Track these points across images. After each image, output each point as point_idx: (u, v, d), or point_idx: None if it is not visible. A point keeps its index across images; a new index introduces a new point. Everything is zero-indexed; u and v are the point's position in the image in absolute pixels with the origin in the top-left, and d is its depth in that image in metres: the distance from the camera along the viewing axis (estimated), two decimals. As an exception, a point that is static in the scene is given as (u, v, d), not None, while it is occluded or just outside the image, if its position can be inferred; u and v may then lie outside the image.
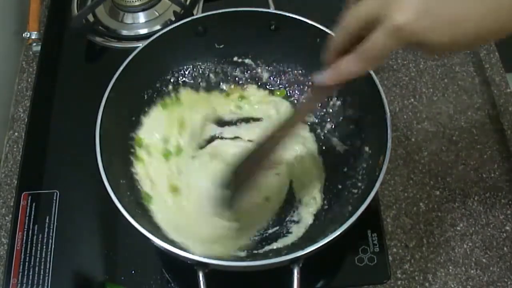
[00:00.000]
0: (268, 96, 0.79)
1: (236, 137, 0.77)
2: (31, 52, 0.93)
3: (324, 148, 0.75)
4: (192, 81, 0.78)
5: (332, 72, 0.52)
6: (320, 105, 0.74)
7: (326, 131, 0.75)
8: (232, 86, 0.79)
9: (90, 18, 0.91)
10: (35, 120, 0.83)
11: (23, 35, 0.91)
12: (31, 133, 0.81)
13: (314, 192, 0.71)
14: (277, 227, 0.69)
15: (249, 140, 0.75)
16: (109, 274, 0.70)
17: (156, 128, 0.73)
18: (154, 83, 0.75)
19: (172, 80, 0.77)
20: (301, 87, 0.78)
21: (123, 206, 0.57)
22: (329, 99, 0.75)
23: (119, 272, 0.70)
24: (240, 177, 0.60)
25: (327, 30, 0.69)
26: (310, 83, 0.69)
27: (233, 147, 0.75)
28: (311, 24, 0.71)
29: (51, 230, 0.73)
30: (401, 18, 0.43)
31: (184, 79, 0.78)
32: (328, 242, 0.55)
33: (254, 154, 0.60)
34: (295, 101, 0.78)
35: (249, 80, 0.79)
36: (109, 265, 0.71)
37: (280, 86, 0.79)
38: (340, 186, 0.69)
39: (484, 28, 0.43)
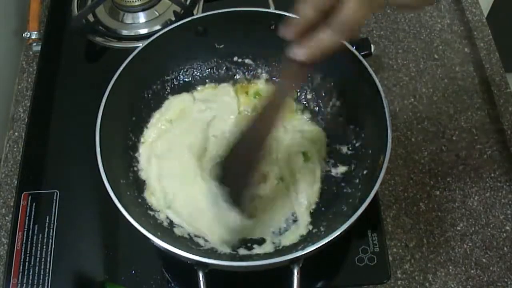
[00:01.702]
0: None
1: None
2: (31, 52, 0.93)
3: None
4: (192, 81, 0.78)
5: (309, 48, 0.50)
6: (297, 85, 0.70)
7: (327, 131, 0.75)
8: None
9: (90, 18, 0.91)
10: (35, 120, 0.83)
11: (23, 35, 0.91)
12: (31, 133, 0.81)
13: (314, 191, 0.70)
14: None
15: None
16: (109, 274, 0.70)
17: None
18: (154, 83, 0.75)
19: (172, 80, 0.77)
20: (300, 87, 0.78)
21: (123, 206, 0.57)
22: (329, 99, 0.75)
23: (119, 272, 0.70)
24: (233, 170, 0.58)
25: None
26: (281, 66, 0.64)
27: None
28: (311, 24, 0.70)
29: (51, 230, 0.73)
30: None
31: (184, 79, 0.78)
32: (328, 242, 0.55)
33: (241, 144, 0.57)
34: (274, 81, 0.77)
35: (249, 80, 0.79)
36: (109, 265, 0.71)
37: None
38: (340, 186, 0.69)
39: None
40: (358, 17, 0.46)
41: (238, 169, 0.58)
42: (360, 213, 0.56)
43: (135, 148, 0.72)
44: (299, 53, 0.51)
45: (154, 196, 0.69)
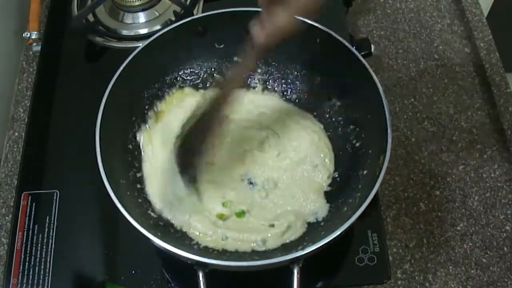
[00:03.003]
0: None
1: None
2: (31, 52, 0.93)
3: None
4: (192, 81, 0.78)
5: (266, 30, 0.52)
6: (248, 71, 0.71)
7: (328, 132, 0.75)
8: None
9: (90, 18, 0.91)
10: (35, 120, 0.83)
11: (23, 35, 0.91)
12: (31, 133, 0.81)
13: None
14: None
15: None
16: (109, 274, 0.70)
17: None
18: (154, 83, 0.75)
19: (172, 80, 0.77)
20: (300, 87, 0.78)
21: (123, 206, 0.57)
22: (329, 99, 0.75)
23: (119, 272, 0.70)
24: (184, 154, 0.63)
25: (327, 30, 0.69)
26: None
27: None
28: (311, 24, 0.70)
29: (51, 230, 0.73)
30: None
31: (184, 78, 0.78)
32: (328, 242, 0.55)
33: (196, 128, 0.62)
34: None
35: (248, 79, 0.79)
36: (109, 265, 0.71)
37: (279, 85, 0.79)
38: (340, 186, 0.69)
39: None
40: None
41: (188, 154, 0.64)
42: (360, 213, 0.56)
43: (135, 148, 0.72)
44: (260, 36, 0.53)
45: (153, 196, 0.69)
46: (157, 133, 0.74)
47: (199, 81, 0.79)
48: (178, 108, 0.76)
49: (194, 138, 0.64)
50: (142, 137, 0.72)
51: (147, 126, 0.74)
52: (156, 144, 0.72)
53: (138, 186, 0.69)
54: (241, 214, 0.68)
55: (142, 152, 0.72)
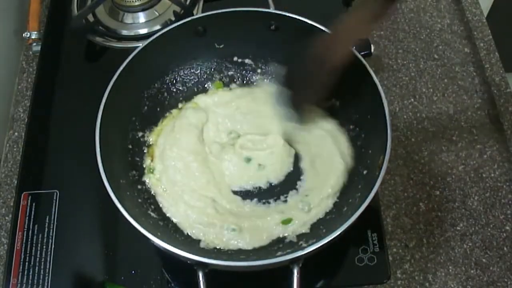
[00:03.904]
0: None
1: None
2: (31, 52, 0.93)
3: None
4: (191, 81, 0.78)
5: None
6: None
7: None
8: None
9: (90, 18, 0.91)
10: (35, 120, 0.83)
11: (23, 35, 0.91)
12: (31, 133, 0.81)
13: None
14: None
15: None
16: (109, 274, 0.70)
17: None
18: (154, 83, 0.75)
19: (172, 80, 0.77)
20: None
21: (123, 206, 0.57)
22: (329, 100, 0.74)
23: (119, 272, 0.70)
24: (300, 78, 0.62)
25: (327, 30, 0.69)
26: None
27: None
28: (311, 24, 0.70)
29: (51, 230, 0.73)
30: None
31: (184, 79, 0.78)
32: (328, 242, 0.55)
33: (308, 58, 0.61)
34: None
35: (248, 79, 0.79)
36: (109, 265, 0.71)
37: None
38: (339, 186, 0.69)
39: None
40: None
41: (302, 77, 0.62)
42: (360, 213, 0.56)
43: (135, 148, 0.72)
44: None
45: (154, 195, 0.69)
46: (156, 134, 0.74)
47: (199, 81, 0.79)
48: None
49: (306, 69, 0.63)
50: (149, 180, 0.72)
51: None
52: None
53: (139, 187, 0.69)
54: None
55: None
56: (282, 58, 0.71)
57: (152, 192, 0.70)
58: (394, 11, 0.55)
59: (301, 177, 0.71)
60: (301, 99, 0.67)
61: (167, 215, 0.68)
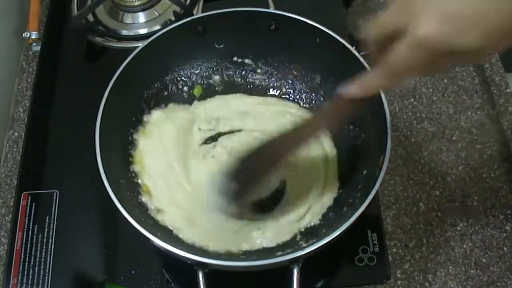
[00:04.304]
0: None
1: (237, 130, 0.76)
2: (31, 52, 0.93)
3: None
4: (191, 81, 0.78)
5: (356, 86, 0.51)
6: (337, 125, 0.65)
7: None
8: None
9: (90, 18, 0.91)
10: (35, 120, 0.83)
11: (23, 35, 0.91)
12: (31, 133, 0.81)
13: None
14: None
15: (252, 131, 0.75)
16: (109, 274, 0.70)
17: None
18: (154, 83, 0.75)
19: (172, 80, 0.77)
20: (300, 87, 0.78)
21: (123, 206, 0.57)
22: (329, 100, 0.74)
23: (119, 272, 0.70)
24: (249, 171, 0.59)
25: (327, 30, 0.69)
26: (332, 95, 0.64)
27: (236, 141, 0.74)
28: (311, 24, 0.70)
29: (51, 230, 0.73)
30: (422, 29, 0.41)
31: (184, 79, 0.78)
32: (327, 242, 0.55)
33: (266, 150, 0.59)
34: (305, 105, 0.77)
35: (248, 79, 0.79)
36: (109, 265, 0.71)
37: (279, 85, 0.79)
38: (340, 186, 0.69)
39: (510, 19, 0.40)
40: (406, 61, 0.44)
41: (252, 171, 0.60)
42: (360, 213, 0.56)
43: (135, 148, 0.72)
44: (349, 90, 0.52)
45: (153, 196, 0.69)
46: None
47: (198, 81, 0.79)
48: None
49: (255, 166, 0.60)
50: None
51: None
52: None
53: (138, 186, 0.69)
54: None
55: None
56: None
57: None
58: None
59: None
60: (248, 190, 0.63)
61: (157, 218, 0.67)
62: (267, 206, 0.69)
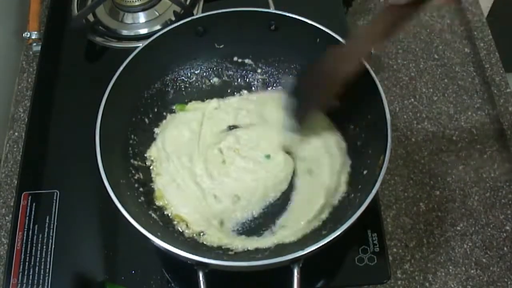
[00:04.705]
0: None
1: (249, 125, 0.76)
2: (31, 52, 0.94)
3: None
4: (191, 81, 0.78)
5: None
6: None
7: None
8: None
9: (90, 18, 0.91)
10: (35, 120, 0.83)
11: (23, 35, 0.91)
12: (31, 133, 0.81)
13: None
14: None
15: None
16: (109, 274, 0.70)
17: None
18: (154, 83, 0.75)
19: (172, 80, 0.77)
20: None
21: (123, 206, 0.57)
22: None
23: (119, 272, 0.70)
24: (307, 87, 0.62)
25: (327, 30, 0.69)
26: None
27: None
28: (311, 24, 0.71)
29: (51, 230, 0.73)
30: None
31: (184, 79, 0.78)
32: (328, 242, 0.55)
33: (321, 68, 0.61)
34: None
35: (248, 79, 0.79)
36: (109, 265, 0.71)
37: (279, 86, 0.79)
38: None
39: None
40: None
41: (311, 88, 0.62)
42: (360, 213, 0.56)
43: (135, 148, 0.72)
44: None
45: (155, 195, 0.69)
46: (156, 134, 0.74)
47: (198, 81, 0.79)
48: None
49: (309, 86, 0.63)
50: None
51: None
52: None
53: (140, 189, 0.69)
54: None
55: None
56: (295, 71, 0.73)
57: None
58: (407, 26, 0.56)
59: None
60: (307, 110, 0.67)
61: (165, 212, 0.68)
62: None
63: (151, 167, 0.72)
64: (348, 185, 0.68)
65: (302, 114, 0.68)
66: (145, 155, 0.73)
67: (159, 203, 0.69)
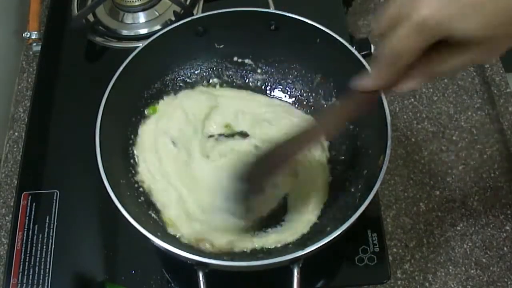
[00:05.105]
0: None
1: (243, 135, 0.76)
2: (31, 52, 0.94)
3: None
4: (192, 81, 0.78)
5: (365, 78, 0.52)
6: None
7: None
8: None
9: (90, 18, 0.91)
10: (35, 120, 0.83)
11: (23, 35, 0.91)
12: (31, 133, 0.81)
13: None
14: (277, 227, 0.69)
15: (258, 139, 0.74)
16: (109, 274, 0.70)
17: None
18: (154, 83, 0.75)
19: (172, 80, 0.77)
20: (300, 87, 0.78)
21: (123, 206, 0.57)
22: (329, 99, 0.75)
23: (119, 272, 0.70)
24: (258, 174, 0.60)
25: (327, 30, 0.69)
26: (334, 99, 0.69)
27: (245, 145, 0.74)
28: (311, 24, 0.70)
29: (51, 230, 0.73)
30: (422, 11, 0.42)
31: (184, 79, 0.78)
32: (328, 242, 0.55)
33: (273, 153, 0.59)
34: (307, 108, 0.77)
35: (249, 79, 0.79)
36: (109, 265, 0.71)
37: (279, 86, 0.79)
38: (340, 186, 0.69)
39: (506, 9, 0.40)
40: (408, 45, 0.44)
41: (261, 173, 0.60)
42: (360, 213, 0.56)
43: (135, 148, 0.72)
44: (357, 83, 0.53)
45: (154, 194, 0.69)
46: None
47: (198, 81, 0.79)
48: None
49: (263, 168, 0.60)
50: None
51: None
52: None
53: (140, 189, 0.69)
54: None
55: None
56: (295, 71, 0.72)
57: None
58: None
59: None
60: (255, 194, 0.62)
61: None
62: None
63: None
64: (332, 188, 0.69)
65: (251, 198, 0.63)
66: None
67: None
